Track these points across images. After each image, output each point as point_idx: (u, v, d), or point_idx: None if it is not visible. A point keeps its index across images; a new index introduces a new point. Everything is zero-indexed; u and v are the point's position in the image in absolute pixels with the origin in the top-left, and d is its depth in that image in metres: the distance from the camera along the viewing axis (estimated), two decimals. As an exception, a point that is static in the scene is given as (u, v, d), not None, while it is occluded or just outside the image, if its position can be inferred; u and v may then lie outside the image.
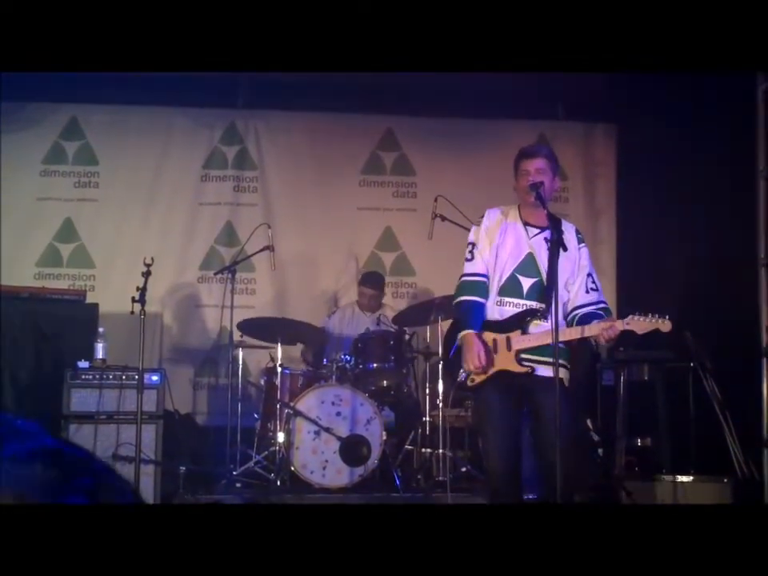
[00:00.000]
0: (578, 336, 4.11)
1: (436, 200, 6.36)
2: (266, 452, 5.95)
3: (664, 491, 5.25)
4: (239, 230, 7.69)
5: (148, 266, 5.03)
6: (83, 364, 5.52)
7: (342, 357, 6.14)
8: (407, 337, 6.35)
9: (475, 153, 8.02)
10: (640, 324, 3.97)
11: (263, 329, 6.36)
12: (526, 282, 4.12)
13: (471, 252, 4.22)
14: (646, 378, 6.18)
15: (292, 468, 5.69)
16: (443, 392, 6.03)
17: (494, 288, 4.17)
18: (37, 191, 7.63)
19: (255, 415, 6.33)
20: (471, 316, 4.15)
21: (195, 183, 7.82)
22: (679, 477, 5.32)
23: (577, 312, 4.17)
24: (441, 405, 6.03)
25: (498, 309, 4.15)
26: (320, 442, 5.76)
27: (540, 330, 4.08)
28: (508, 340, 4.08)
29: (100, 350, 5.63)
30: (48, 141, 7.71)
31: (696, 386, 5.81)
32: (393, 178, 8.05)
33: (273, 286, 7.73)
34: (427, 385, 6.19)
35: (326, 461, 5.72)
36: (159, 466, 5.37)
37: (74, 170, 7.71)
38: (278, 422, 5.88)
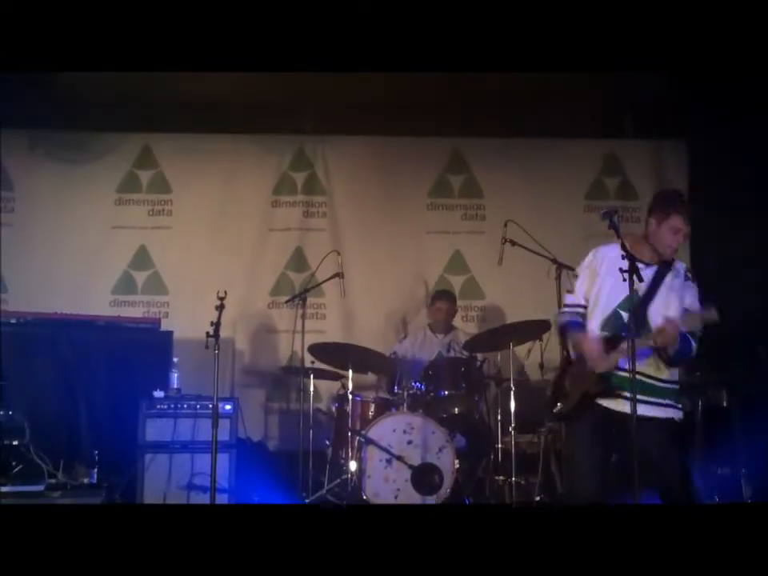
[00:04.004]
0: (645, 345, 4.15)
1: (506, 225, 6.32)
2: (338, 479, 5.95)
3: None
4: (309, 256, 7.75)
5: (221, 299, 5.08)
6: (158, 393, 5.60)
7: (413, 384, 6.13)
8: (478, 363, 6.30)
9: (543, 173, 7.97)
10: (688, 322, 4.09)
11: (333, 354, 6.38)
12: (627, 316, 4.20)
13: (573, 285, 4.53)
14: (724, 404, 6.04)
15: (364, 496, 5.68)
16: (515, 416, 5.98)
17: (596, 320, 4.33)
18: (112, 219, 7.78)
19: (327, 442, 6.35)
20: (577, 328, 4.38)
21: (265, 209, 7.90)
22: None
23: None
24: (513, 431, 5.97)
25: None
26: (391, 470, 5.74)
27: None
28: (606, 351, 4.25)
29: (175, 380, 5.71)
30: (122, 170, 7.86)
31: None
32: (461, 201, 8.02)
33: (342, 310, 7.75)
34: (499, 411, 6.14)
35: (398, 489, 5.70)
36: (232, 495, 5.41)
37: (148, 198, 7.86)
38: (349, 450, 5.88)
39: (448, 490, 5.71)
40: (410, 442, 5.78)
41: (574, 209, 7.92)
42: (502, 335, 6.14)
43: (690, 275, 4.37)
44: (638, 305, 4.20)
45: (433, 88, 7.20)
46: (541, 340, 6.31)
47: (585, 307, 4.43)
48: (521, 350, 6.47)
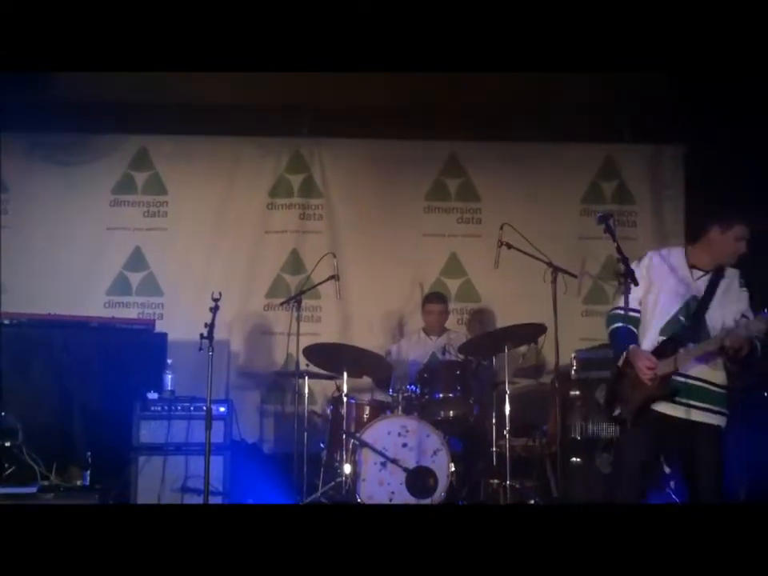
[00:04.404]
0: (710, 349, 4.21)
1: (502, 228, 6.31)
2: (333, 482, 5.93)
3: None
4: (305, 258, 7.73)
5: (216, 300, 5.06)
6: (152, 395, 5.59)
7: (409, 387, 6.12)
8: (474, 366, 6.29)
9: (539, 176, 7.97)
10: (752, 326, 4.09)
11: (328, 355, 6.35)
12: (687, 322, 4.33)
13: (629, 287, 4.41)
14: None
15: (358, 499, 5.67)
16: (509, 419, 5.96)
17: (653, 328, 4.40)
18: (107, 221, 7.76)
19: (321, 444, 6.33)
20: (629, 338, 4.40)
21: (261, 211, 7.89)
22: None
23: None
24: (507, 435, 5.95)
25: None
26: (386, 473, 5.73)
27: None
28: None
29: (169, 382, 5.70)
30: (118, 171, 7.85)
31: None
32: (457, 204, 8.01)
33: (338, 313, 7.74)
34: (494, 414, 6.12)
35: (393, 492, 5.69)
36: (227, 497, 5.39)
37: (143, 199, 7.84)
38: (344, 453, 5.87)
39: (443, 494, 5.70)
40: (404, 445, 5.77)
41: (571, 212, 7.92)
42: (497, 338, 6.13)
43: (743, 281, 4.42)
44: (696, 311, 4.30)
45: (429, 91, 7.19)
46: (536, 343, 6.29)
47: (639, 312, 4.47)
48: (516, 353, 6.46)
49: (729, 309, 4.33)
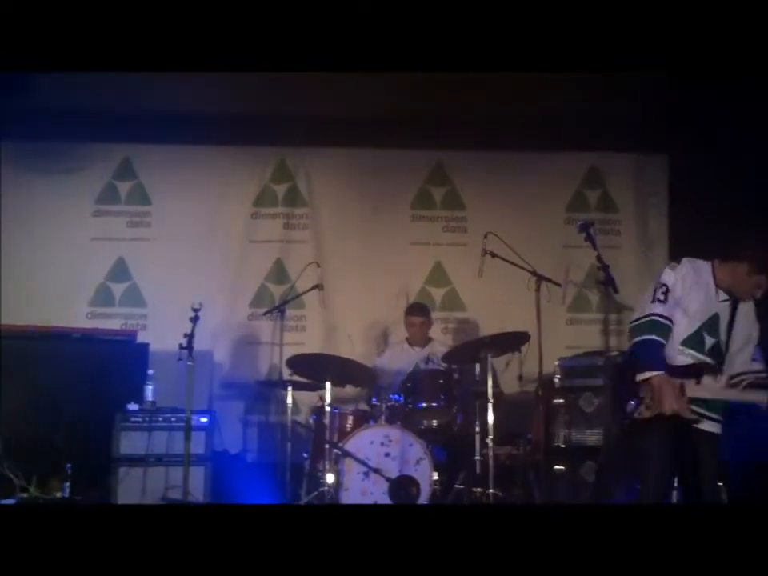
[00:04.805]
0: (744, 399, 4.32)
1: (486, 237, 6.30)
2: (316, 492, 5.90)
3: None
4: (289, 268, 7.72)
5: (196, 311, 5.04)
6: (133, 406, 5.57)
7: (392, 396, 6.10)
8: (456, 375, 6.27)
9: (525, 185, 7.98)
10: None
11: (312, 366, 6.32)
12: (709, 341, 4.34)
13: (665, 294, 4.33)
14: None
15: (341, 509, 5.64)
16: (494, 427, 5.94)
17: (677, 336, 4.35)
18: (90, 231, 7.73)
19: (305, 454, 6.30)
20: (661, 356, 4.30)
21: (245, 221, 7.87)
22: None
23: (743, 377, 4.37)
24: (491, 443, 5.93)
25: (679, 357, 4.35)
26: (369, 482, 5.70)
27: (712, 385, 4.30)
28: (682, 386, 4.25)
29: (149, 393, 5.67)
30: (101, 181, 7.82)
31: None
32: (443, 213, 8.01)
33: (323, 322, 7.72)
34: (477, 423, 6.10)
35: (376, 501, 5.66)
36: (207, 508, 5.35)
37: (127, 209, 7.82)
38: (327, 462, 5.84)
39: (426, 503, 5.67)
40: (387, 455, 5.75)
41: (555, 221, 7.92)
42: (480, 347, 6.10)
43: (755, 314, 4.46)
44: (718, 334, 4.35)
45: (415, 100, 7.19)
46: (520, 352, 6.28)
47: (672, 322, 4.36)
48: (499, 361, 6.44)
49: (747, 335, 4.39)
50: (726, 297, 4.39)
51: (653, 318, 4.33)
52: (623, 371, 4.48)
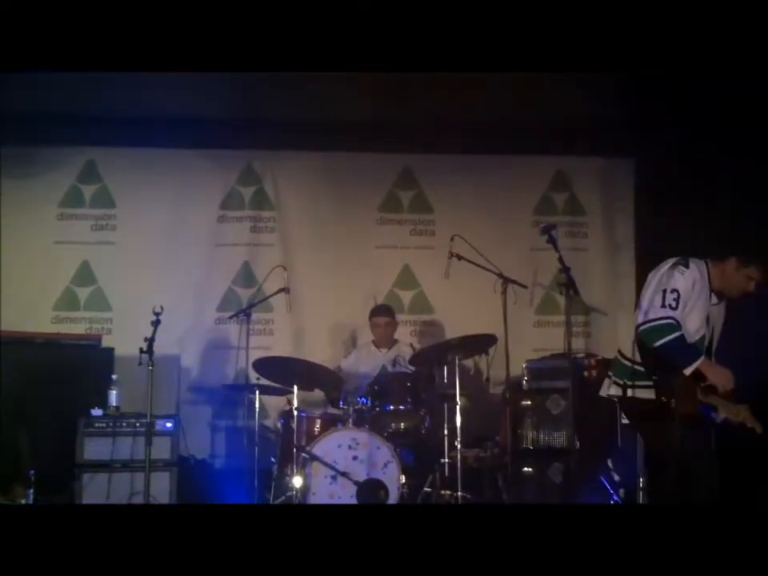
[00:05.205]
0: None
1: (452, 239, 6.30)
2: (283, 497, 5.87)
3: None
4: (256, 271, 7.67)
5: (157, 314, 5.00)
6: (96, 412, 5.51)
7: (359, 399, 6.08)
8: (424, 377, 6.26)
9: (493, 189, 8.00)
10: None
11: (279, 369, 6.29)
12: (704, 342, 4.46)
13: (677, 301, 4.31)
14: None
15: (309, 513, 5.60)
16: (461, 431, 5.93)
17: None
18: (54, 235, 7.65)
19: (272, 459, 6.26)
20: (694, 347, 4.37)
21: (212, 224, 7.82)
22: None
23: None
24: (459, 446, 5.92)
25: None
26: (337, 486, 5.68)
27: None
28: None
29: (114, 398, 5.61)
30: (65, 184, 7.74)
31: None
32: (410, 216, 8.00)
33: (291, 326, 7.68)
34: (445, 425, 6.09)
35: (343, 505, 5.64)
36: (173, 513, 5.30)
37: (91, 213, 7.74)
38: (294, 467, 5.80)
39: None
40: (355, 458, 5.73)
41: (523, 224, 7.93)
42: (447, 349, 6.10)
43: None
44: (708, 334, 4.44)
45: (383, 104, 7.19)
46: (487, 354, 6.27)
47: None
48: (467, 364, 6.44)
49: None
50: (717, 300, 4.44)
51: (668, 320, 4.31)
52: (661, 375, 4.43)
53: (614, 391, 4.67)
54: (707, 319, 4.43)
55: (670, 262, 4.47)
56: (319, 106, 7.22)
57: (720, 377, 4.27)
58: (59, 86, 6.54)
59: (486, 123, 7.56)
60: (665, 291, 4.31)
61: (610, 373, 4.79)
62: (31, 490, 5.50)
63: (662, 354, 4.34)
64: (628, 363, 4.57)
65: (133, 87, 6.70)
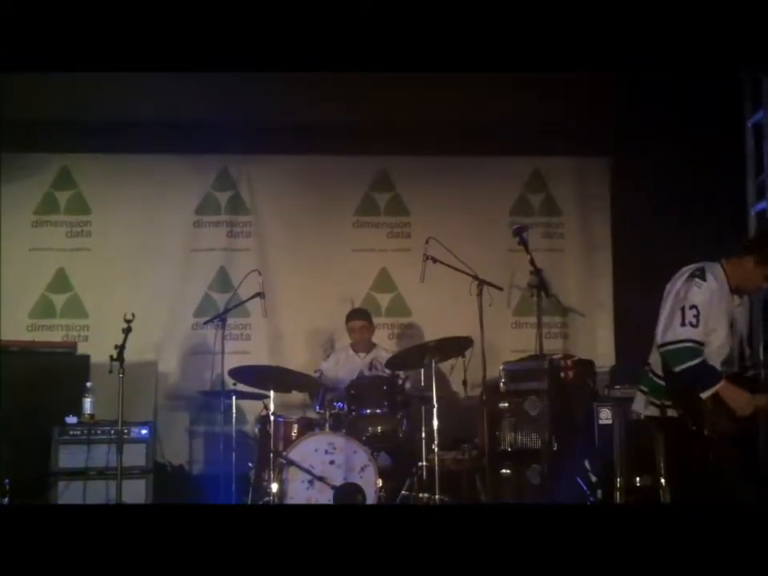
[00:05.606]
0: None
1: (427, 242, 6.30)
2: (260, 502, 5.85)
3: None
4: (233, 276, 7.63)
5: (128, 321, 4.97)
6: (71, 419, 5.48)
7: (336, 404, 6.07)
8: (400, 381, 6.26)
9: (469, 190, 7.99)
10: None
11: (255, 376, 6.27)
12: (737, 351, 4.33)
13: (696, 318, 4.15)
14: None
15: (286, 519, 5.58)
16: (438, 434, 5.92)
17: (714, 354, 4.25)
18: (29, 242, 7.62)
19: (250, 464, 6.24)
20: (713, 371, 4.18)
21: (188, 229, 7.80)
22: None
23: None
24: (436, 449, 5.91)
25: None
26: (314, 491, 5.67)
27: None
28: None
29: (88, 405, 5.58)
30: (40, 191, 7.71)
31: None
32: (387, 219, 8.01)
33: (268, 331, 7.67)
34: (423, 428, 6.08)
35: (321, 511, 5.62)
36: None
37: (67, 219, 7.71)
38: (271, 472, 5.78)
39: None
40: (332, 462, 5.71)
41: (500, 225, 7.92)
42: (424, 352, 6.10)
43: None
44: (740, 338, 4.34)
45: (358, 107, 7.17)
46: (464, 357, 6.27)
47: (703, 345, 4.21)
48: (444, 366, 6.43)
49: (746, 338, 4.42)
50: (739, 300, 4.35)
51: (688, 344, 4.16)
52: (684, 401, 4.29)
53: (651, 411, 4.56)
54: (731, 325, 4.30)
55: (687, 272, 4.30)
56: (294, 108, 7.20)
57: (738, 401, 4.13)
58: (33, 92, 6.49)
59: (461, 124, 7.55)
60: (683, 309, 4.16)
61: (643, 388, 4.57)
62: (6, 498, 5.47)
63: (683, 378, 4.23)
64: (660, 382, 4.42)
65: (107, 92, 6.67)
